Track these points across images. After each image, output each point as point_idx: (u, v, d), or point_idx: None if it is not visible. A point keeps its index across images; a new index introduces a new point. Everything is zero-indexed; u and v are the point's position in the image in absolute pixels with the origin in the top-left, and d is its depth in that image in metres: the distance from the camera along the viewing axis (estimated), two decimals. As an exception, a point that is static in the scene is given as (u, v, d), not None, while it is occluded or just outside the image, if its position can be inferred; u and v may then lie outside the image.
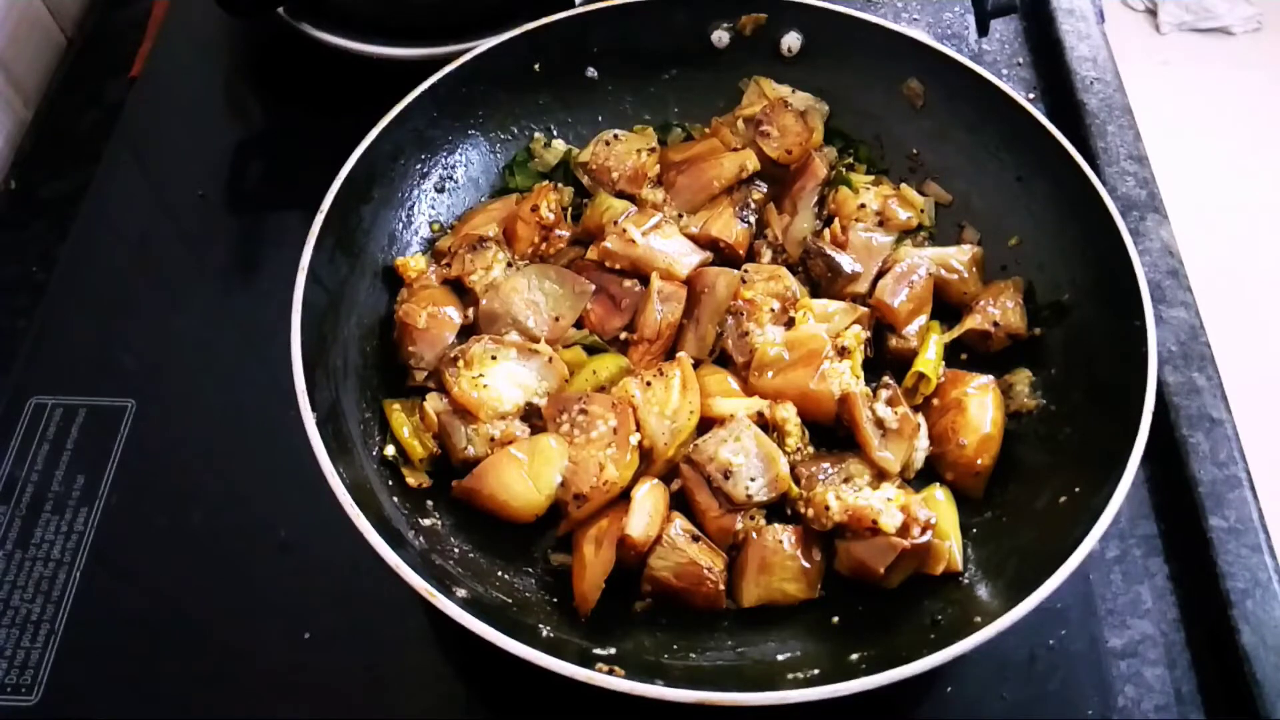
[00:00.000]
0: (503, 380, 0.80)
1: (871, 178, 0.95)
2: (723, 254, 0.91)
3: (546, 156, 0.97)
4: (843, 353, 0.81)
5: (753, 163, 0.92)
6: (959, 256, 0.89)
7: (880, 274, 0.88)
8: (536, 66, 0.96)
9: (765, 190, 0.95)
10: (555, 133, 0.98)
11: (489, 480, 0.76)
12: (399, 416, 0.79)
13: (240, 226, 1.00)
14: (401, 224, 0.89)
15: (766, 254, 0.92)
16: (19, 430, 0.86)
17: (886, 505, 0.73)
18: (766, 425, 0.79)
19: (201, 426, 0.87)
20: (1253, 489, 0.83)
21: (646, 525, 0.73)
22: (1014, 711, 0.74)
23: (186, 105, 1.09)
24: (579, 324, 0.86)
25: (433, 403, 0.80)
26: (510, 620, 0.68)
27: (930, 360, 0.83)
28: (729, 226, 0.90)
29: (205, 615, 0.78)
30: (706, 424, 0.79)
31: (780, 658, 0.71)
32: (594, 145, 0.95)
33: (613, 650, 0.69)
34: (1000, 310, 0.85)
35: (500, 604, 0.71)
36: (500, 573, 0.75)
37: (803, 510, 0.76)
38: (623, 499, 0.75)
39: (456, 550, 0.74)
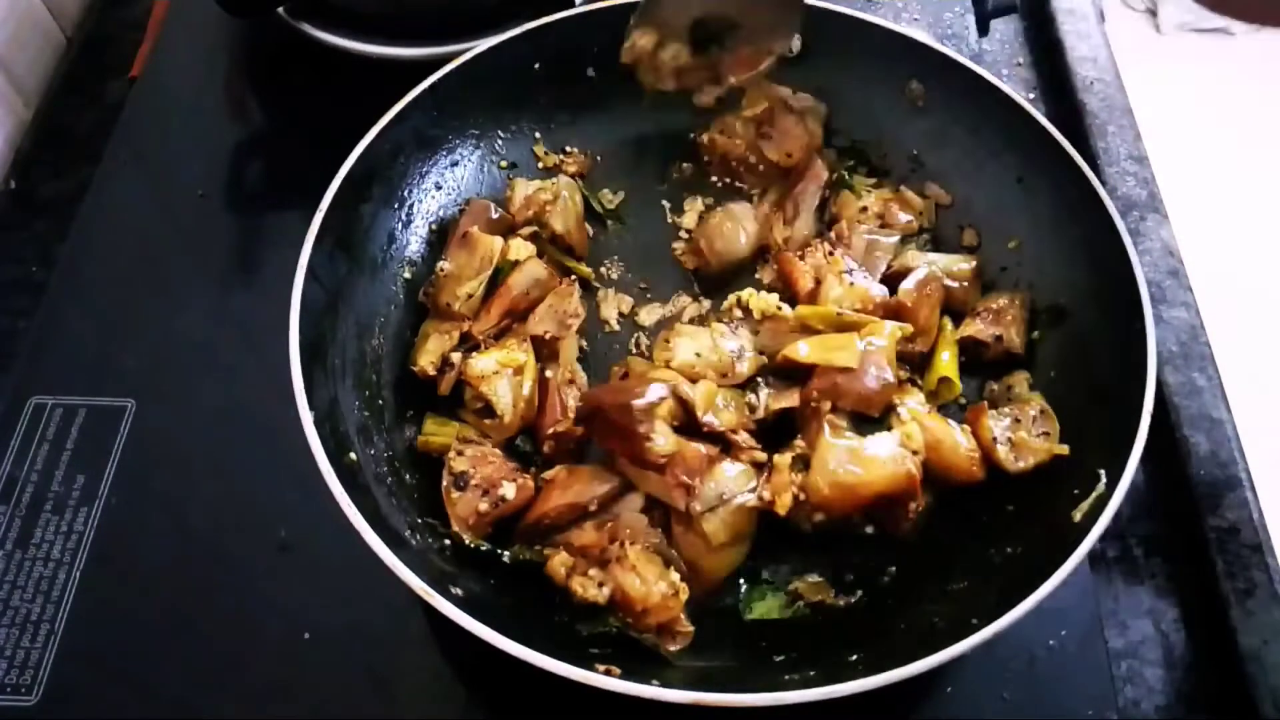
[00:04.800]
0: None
1: (873, 181, 0.95)
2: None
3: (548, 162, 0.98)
4: None
5: None
6: (963, 265, 0.88)
7: (894, 277, 0.87)
8: (536, 66, 0.96)
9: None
10: (556, 133, 0.99)
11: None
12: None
13: (240, 226, 1.00)
14: (401, 223, 0.89)
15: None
16: (19, 430, 0.86)
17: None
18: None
19: (201, 426, 0.87)
20: (1253, 489, 0.83)
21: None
22: (1014, 711, 0.74)
23: (186, 105, 1.09)
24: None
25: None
26: (508, 620, 0.68)
27: (947, 363, 0.83)
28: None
29: (205, 615, 0.78)
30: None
31: (777, 658, 0.71)
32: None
33: (610, 650, 0.69)
34: (1003, 327, 0.84)
35: (498, 603, 0.71)
36: (499, 572, 0.75)
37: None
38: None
39: (454, 549, 0.74)
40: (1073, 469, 0.74)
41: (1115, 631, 0.79)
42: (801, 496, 0.74)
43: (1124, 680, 0.77)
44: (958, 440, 0.77)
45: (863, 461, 0.73)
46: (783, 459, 0.75)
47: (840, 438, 0.74)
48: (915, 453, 0.74)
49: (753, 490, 0.75)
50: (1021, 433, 0.78)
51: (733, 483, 0.74)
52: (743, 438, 0.77)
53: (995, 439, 0.77)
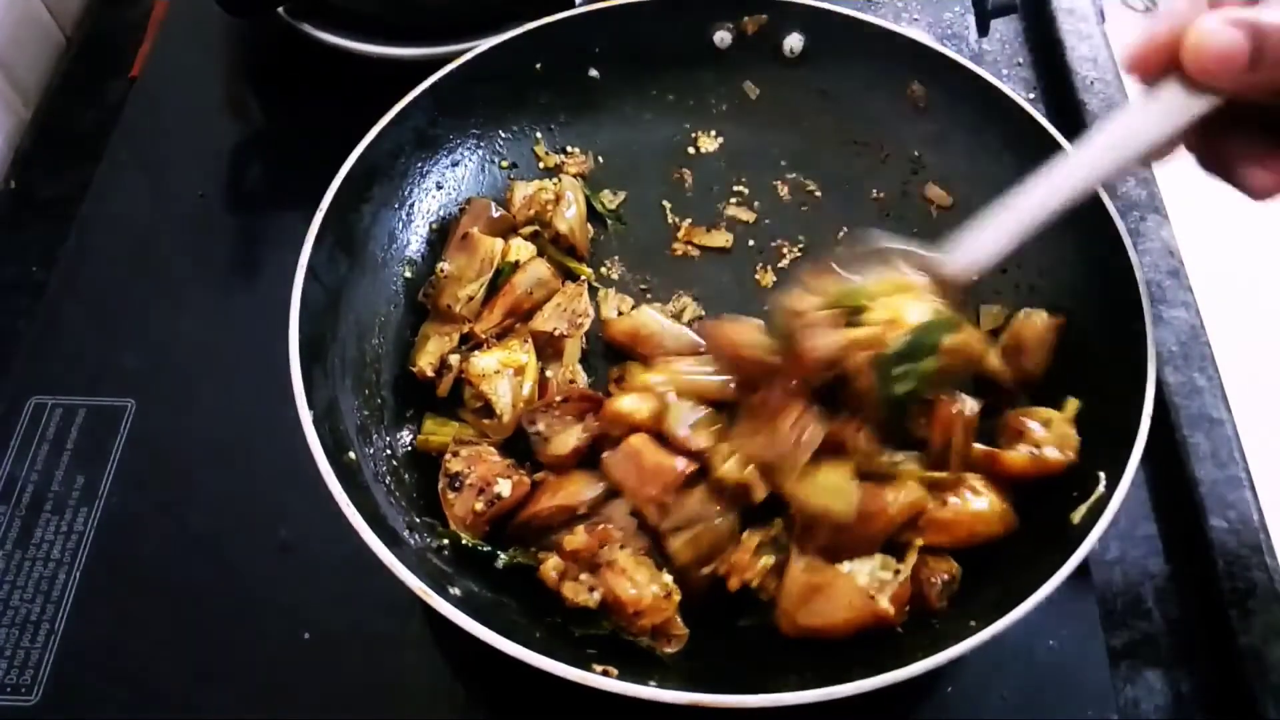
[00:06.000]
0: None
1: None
2: None
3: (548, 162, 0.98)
4: None
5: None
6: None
7: None
8: (537, 66, 0.96)
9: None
10: (556, 133, 0.99)
11: None
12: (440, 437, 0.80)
13: (240, 226, 1.00)
14: (401, 222, 0.89)
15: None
16: (19, 430, 0.86)
17: None
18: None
19: (201, 426, 0.87)
20: (1253, 489, 0.83)
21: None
22: (1014, 712, 0.74)
23: (186, 105, 1.09)
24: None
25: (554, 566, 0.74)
26: (506, 619, 0.68)
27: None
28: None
29: (205, 615, 0.78)
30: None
31: (774, 660, 0.71)
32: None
33: (609, 650, 0.68)
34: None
35: (496, 603, 0.71)
36: (497, 572, 0.75)
37: None
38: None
39: (453, 549, 0.74)
40: (1072, 471, 0.74)
41: (1115, 631, 0.79)
42: (755, 584, 0.71)
43: (1124, 680, 0.77)
44: (989, 514, 0.73)
45: (829, 599, 0.68)
46: (751, 538, 0.72)
47: (811, 567, 0.70)
48: (897, 573, 0.70)
49: (721, 517, 0.72)
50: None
51: (709, 508, 0.72)
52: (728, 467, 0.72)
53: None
